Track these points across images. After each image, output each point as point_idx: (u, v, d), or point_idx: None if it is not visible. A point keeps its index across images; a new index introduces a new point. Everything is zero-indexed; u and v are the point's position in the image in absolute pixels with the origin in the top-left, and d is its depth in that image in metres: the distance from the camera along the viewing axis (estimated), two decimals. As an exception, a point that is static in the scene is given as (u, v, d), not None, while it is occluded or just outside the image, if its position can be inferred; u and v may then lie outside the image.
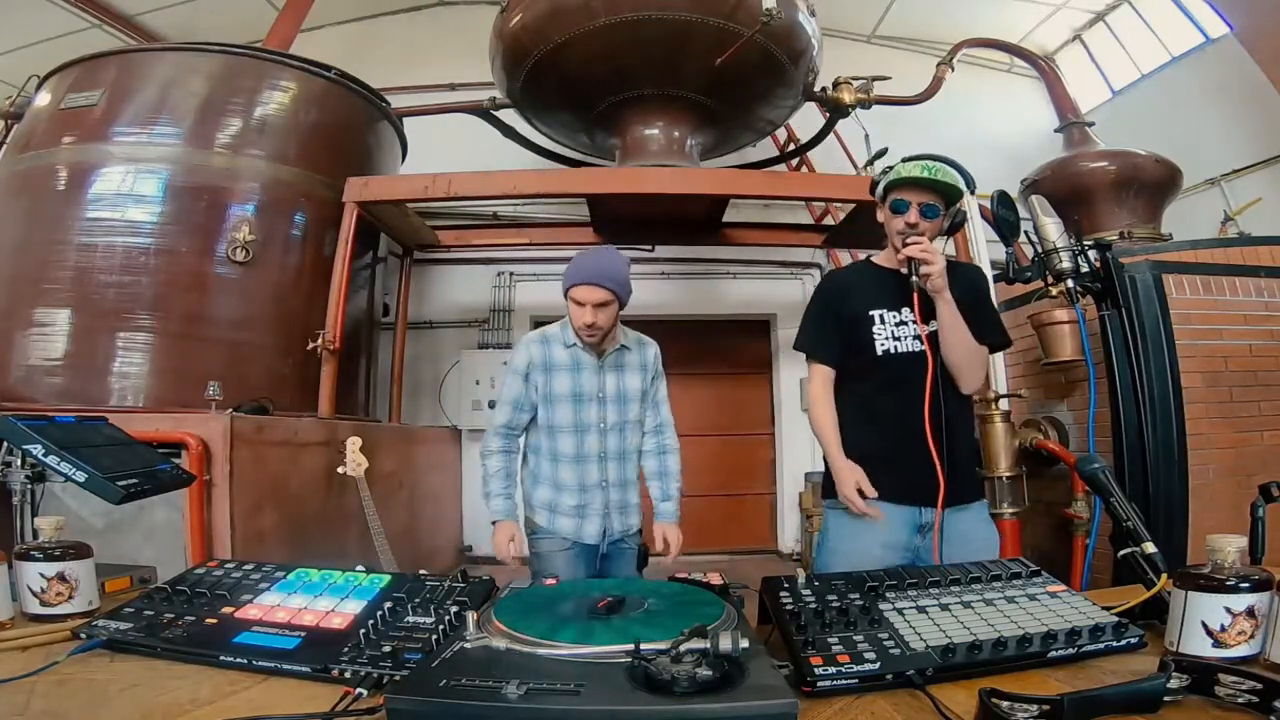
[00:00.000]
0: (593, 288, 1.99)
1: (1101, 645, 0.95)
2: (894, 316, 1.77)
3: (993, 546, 1.76)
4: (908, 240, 1.68)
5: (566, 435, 2.14)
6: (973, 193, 1.76)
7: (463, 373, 6.13)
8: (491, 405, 5.72)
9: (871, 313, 1.77)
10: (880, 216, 1.81)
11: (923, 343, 1.72)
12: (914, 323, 1.74)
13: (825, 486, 1.86)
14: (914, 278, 1.67)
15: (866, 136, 5.09)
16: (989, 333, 1.78)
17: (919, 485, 1.67)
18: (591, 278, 1.99)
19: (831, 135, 5.44)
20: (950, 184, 1.70)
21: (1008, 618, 1.01)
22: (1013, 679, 0.89)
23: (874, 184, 1.84)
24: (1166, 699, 0.79)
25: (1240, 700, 0.79)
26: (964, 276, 1.76)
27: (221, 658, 0.98)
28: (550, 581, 1.25)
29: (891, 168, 1.78)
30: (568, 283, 2.04)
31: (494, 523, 2.17)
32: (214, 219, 3.88)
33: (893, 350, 1.74)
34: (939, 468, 1.63)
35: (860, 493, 1.69)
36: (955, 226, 1.81)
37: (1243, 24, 5.16)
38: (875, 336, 1.76)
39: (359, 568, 1.25)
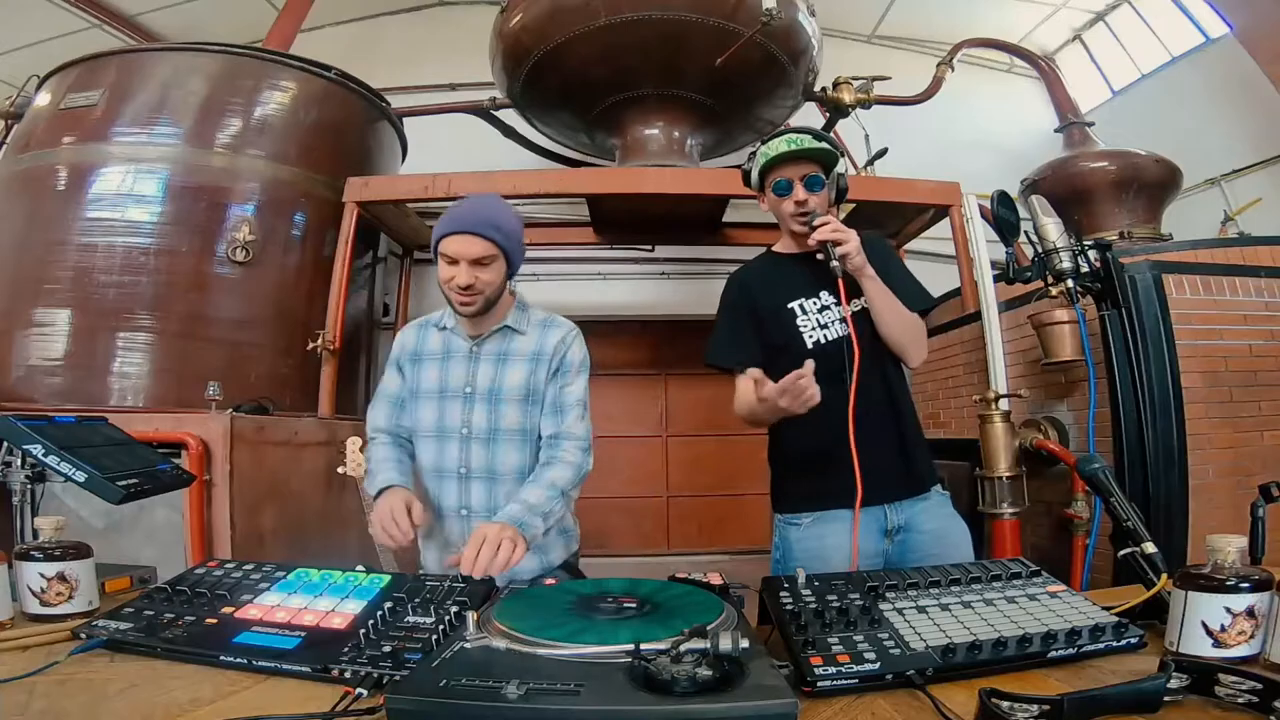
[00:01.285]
0: (469, 238, 1.50)
1: (1101, 645, 0.95)
2: (815, 304, 1.65)
3: (968, 541, 1.64)
4: (815, 223, 1.57)
5: (428, 442, 1.68)
6: (841, 156, 1.66)
7: (462, 373, 6.11)
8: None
9: (791, 305, 1.65)
10: (764, 206, 1.70)
11: (848, 325, 1.60)
12: (837, 306, 1.62)
13: (775, 497, 1.74)
14: (833, 262, 1.54)
15: (866, 137, 5.09)
16: (914, 299, 1.66)
17: (879, 484, 1.55)
18: (467, 225, 1.51)
19: (831, 135, 5.42)
20: (822, 149, 1.59)
21: (1008, 618, 1.01)
22: (1013, 679, 0.89)
23: (746, 174, 1.73)
24: (1166, 699, 0.79)
25: (1240, 700, 0.79)
26: (870, 248, 1.61)
27: (221, 658, 0.98)
28: (550, 581, 1.25)
29: (754, 154, 1.69)
30: (436, 235, 1.56)
31: (375, 498, 1.60)
32: (214, 219, 3.87)
33: (823, 340, 1.63)
34: (855, 457, 1.49)
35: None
36: (841, 194, 1.70)
37: (1242, 24, 5.16)
38: (801, 329, 1.64)
39: (359, 568, 1.24)
